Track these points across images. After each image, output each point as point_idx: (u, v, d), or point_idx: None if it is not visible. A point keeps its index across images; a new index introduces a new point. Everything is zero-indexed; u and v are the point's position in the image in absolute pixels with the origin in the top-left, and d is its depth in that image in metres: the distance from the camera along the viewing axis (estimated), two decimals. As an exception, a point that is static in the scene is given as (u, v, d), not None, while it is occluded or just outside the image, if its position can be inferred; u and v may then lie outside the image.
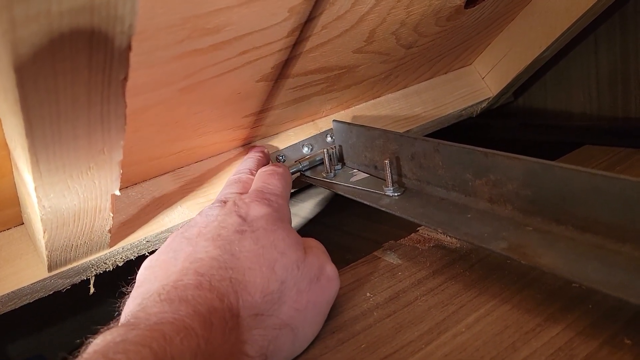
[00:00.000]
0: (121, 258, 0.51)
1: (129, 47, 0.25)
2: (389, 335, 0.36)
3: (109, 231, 0.44)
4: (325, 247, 0.41)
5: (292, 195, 0.64)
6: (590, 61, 0.72)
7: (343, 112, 0.65)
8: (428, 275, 0.42)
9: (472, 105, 0.74)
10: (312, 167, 0.60)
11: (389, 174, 0.49)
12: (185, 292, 0.31)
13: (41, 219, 0.36)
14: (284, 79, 0.49)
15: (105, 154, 0.33)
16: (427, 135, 0.60)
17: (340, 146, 0.60)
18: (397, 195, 0.49)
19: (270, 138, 0.60)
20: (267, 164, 0.53)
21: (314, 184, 0.58)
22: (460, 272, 0.42)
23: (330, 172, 0.57)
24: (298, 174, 0.59)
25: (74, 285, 0.49)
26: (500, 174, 0.40)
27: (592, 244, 0.34)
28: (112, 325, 0.29)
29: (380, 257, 0.47)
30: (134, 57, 0.27)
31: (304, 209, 0.80)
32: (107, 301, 0.39)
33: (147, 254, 0.52)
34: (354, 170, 0.57)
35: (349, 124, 0.57)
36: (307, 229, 0.73)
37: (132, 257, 0.51)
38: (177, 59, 0.38)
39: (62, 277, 0.48)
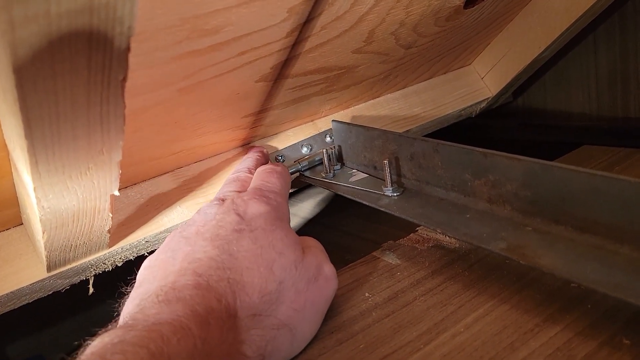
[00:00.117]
0: (120, 258, 0.51)
1: (128, 48, 0.25)
2: (387, 336, 0.36)
3: (108, 231, 0.44)
4: (324, 247, 0.41)
5: (291, 195, 0.64)
6: (590, 61, 0.72)
7: (342, 112, 0.65)
8: (427, 276, 0.42)
9: (471, 106, 0.74)
10: (312, 167, 0.60)
11: (388, 174, 0.49)
12: (183, 293, 0.31)
13: (40, 220, 0.36)
14: (283, 80, 0.49)
15: (105, 154, 0.33)
16: (426, 136, 0.60)
17: (339, 146, 0.60)
18: (396, 196, 0.49)
19: (269, 138, 0.60)
20: (265, 163, 0.53)
21: (313, 184, 0.58)
22: (459, 272, 0.42)
23: (330, 172, 0.57)
24: (297, 174, 0.59)
25: (73, 286, 0.49)
26: (500, 174, 0.40)
27: (591, 245, 0.34)
28: (110, 327, 0.29)
29: (379, 258, 0.47)
30: (133, 58, 0.27)
31: (303, 209, 0.80)
32: (106, 302, 0.39)
33: (146, 254, 0.52)
34: (353, 171, 0.57)
35: (348, 124, 0.57)
36: (306, 229, 0.73)
37: (132, 258, 0.51)
38: (176, 59, 0.38)
39: (61, 278, 0.48)
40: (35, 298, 0.48)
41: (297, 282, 0.35)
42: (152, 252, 0.51)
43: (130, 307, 0.33)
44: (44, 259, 0.43)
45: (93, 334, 0.28)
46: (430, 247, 0.47)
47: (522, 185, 0.39)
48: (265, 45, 0.42)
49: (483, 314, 0.36)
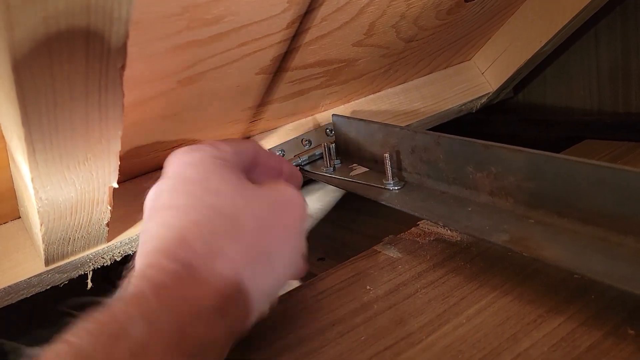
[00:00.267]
0: (119, 253, 0.50)
1: (126, 34, 0.25)
2: (389, 327, 0.35)
3: (107, 225, 0.44)
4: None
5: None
6: (591, 56, 0.72)
7: (342, 106, 0.65)
8: (428, 268, 0.42)
9: (471, 101, 0.73)
10: (312, 161, 0.59)
11: (388, 168, 0.49)
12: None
13: (38, 212, 0.36)
14: (283, 72, 0.49)
15: (103, 144, 0.32)
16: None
17: (339, 140, 0.59)
18: (397, 189, 0.49)
19: (269, 132, 0.60)
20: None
21: (313, 178, 0.58)
22: (461, 264, 0.42)
23: (330, 166, 0.57)
24: (297, 168, 0.59)
25: (71, 282, 0.49)
26: (502, 166, 0.40)
27: (595, 237, 0.34)
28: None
29: (380, 251, 0.47)
30: (131, 47, 0.26)
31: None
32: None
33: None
34: (354, 165, 0.57)
35: (348, 117, 0.57)
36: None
37: (130, 252, 0.51)
38: (176, 50, 0.37)
39: (60, 272, 0.47)
40: (33, 293, 0.48)
41: (253, 211, 0.32)
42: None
43: None
44: (42, 252, 0.43)
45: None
46: (431, 240, 0.47)
47: (525, 178, 0.38)
48: (266, 37, 0.42)
49: (485, 305, 0.36)
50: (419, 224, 0.51)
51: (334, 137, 0.61)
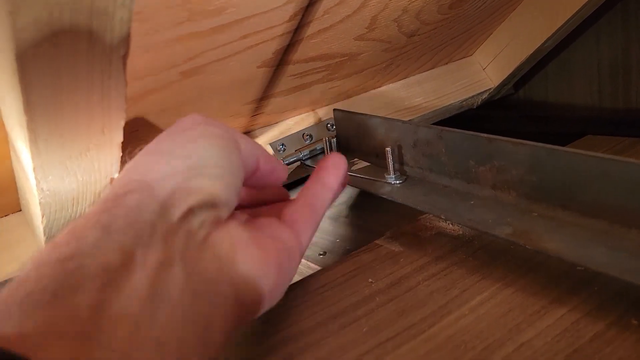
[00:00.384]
0: (120, 247, 0.50)
1: (129, 22, 0.25)
2: (391, 319, 0.35)
3: (108, 218, 0.44)
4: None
5: (291, 186, 0.64)
6: (592, 52, 0.72)
7: (343, 101, 0.65)
8: (430, 262, 0.42)
9: (473, 96, 0.73)
10: (313, 156, 0.59)
11: (390, 162, 0.49)
12: None
13: (40, 203, 0.36)
14: (285, 66, 0.49)
15: (106, 134, 0.32)
16: (428, 125, 0.59)
17: (341, 135, 0.59)
18: (399, 183, 0.49)
19: (270, 127, 0.60)
20: None
21: (314, 173, 0.58)
22: (463, 258, 0.41)
23: (331, 161, 0.56)
24: (298, 163, 0.59)
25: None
26: (505, 160, 0.40)
27: (598, 229, 0.34)
28: None
29: (381, 245, 0.47)
30: (133, 38, 0.26)
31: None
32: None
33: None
34: (355, 159, 0.57)
35: (349, 112, 0.57)
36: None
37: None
38: (178, 41, 0.37)
39: (61, 265, 0.47)
40: (34, 286, 0.47)
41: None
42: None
43: None
44: (43, 244, 0.43)
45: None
46: (433, 234, 0.47)
47: (528, 171, 0.38)
48: (268, 29, 0.42)
49: (488, 297, 0.35)
50: (420, 219, 0.51)
51: (335, 131, 0.61)
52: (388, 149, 0.48)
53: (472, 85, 0.73)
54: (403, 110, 0.67)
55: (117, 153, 0.35)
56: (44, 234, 0.41)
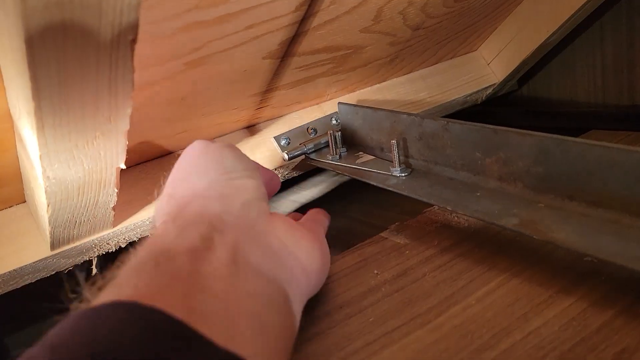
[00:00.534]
0: (124, 239, 0.50)
1: (139, 5, 0.25)
2: (397, 309, 0.35)
3: (113, 209, 0.44)
4: (329, 232, 0.43)
5: (295, 181, 0.64)
6: (596, 48, 0.72)
7: (348, 95, 0.65)
8: (436, 253, 0.42)
9: (477, 92, 0.73)
10: (318, 149, 0.59)
11: (395, 155, 0.48)
12: None
13: (45, 191, 0.36)
14: (290, 57, 0.49)
15: (112, 122, 0.32)
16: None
17: (345, 128, 0.59)
18: (405, 176, 0.48)
19: (275, 120, 0.60)
20: None
21: (319, 166, 0.58)
22: (469, 249, 0.41)
23: (336, 154, 0.56)
24: (303, 156, 0.58)
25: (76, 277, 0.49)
26: (511, 151, 0.40)
27: (606, 219, 0.34)
28: None
29: (387, 238, 0.47)
30: (140, 27, 0.26)
31: (306, 196, 0.79)
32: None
33: (150, 235, 0.51)
34: (360, 153, 0.57)
35: (354, 105, 0.57)
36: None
37: (135, 239, 0.51)
38: (184, 30, 0.37)
39: (65, 257, 0.47)
40: (38, 278, 0.47)
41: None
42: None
43: None
44: (48, 235, 0.43)
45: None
46: (438, 227, 0.47)
47: (534, 162, 0.38)
48: (273, 19, 0.41)
49: (494, 287, 0.35)
50: (425, 212, 0.50)
51: (339, 125, 0.60)
52: (393, 141, 0.48)
53: (476, 81, 0.73)
54: (407, 105, 0.67)
55: (123, 141, 0.35)
56: (49, 224, 0.41)
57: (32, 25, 0.23)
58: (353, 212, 0.70)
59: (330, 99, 0.63)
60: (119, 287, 0.24)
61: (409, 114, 0.49)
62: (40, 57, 0.25)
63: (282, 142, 0.58)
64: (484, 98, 0.75)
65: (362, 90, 0.66)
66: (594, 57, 0.72)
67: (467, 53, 0.74)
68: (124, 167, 0.38)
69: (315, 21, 0.45)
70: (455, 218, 0.48)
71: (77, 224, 0.43)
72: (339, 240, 0.63)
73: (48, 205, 0.38)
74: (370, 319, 0.35)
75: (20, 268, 0.45)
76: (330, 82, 0.59)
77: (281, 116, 0.60)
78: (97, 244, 0.48)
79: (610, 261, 0.30)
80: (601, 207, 0.34)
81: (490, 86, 0.74)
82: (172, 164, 0.51)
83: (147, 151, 0.50)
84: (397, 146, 0.48)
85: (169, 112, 0.47)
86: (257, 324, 0.26)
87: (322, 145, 0.59)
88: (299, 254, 0.34)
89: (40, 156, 0.32)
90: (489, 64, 0.74)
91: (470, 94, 0.72)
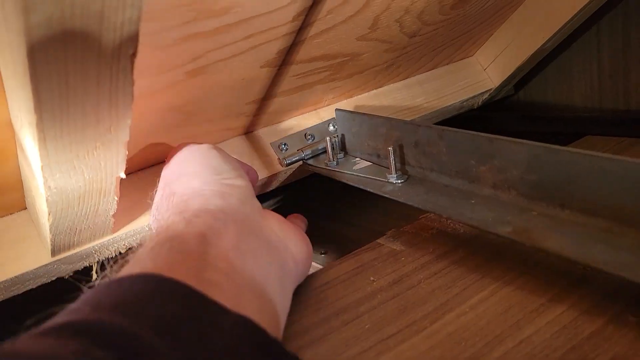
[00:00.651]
0: (124, 245, 0.51)
1: (139, 21, 0.25)
2: (393, 316, 0.36)
3: (113, 216, 0.44)
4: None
5: (291, 186, 0.64)
6: (592, 54, 0.72)
7: (345, 101, 0.65)
8: (431, 260, 0.42)
9: (473, 97, 0.74)
10: (315, 155, 0.60)
11: (392, 162, 0.49)
12: None
13: (46, 200, 0.36)
14: (288, 66, 0.50)
15: (112, 133, 0.33)
16: (429, 125, 0.60)
17: (342, 135, 0.60)
18: (401, 183, 0.49)
19: (272, 127, 0.60)
20: None
21: (316, 172, 0.58)
22: (464, 256, 0.42)
23: (333, 160, 0.57)
24: (300, 162, 0.59)
25: (75, 281, 0.49)
26: (505, 159, 0.40)
27: (597, 228, 0.34)
28: None
29: (383, 244, 0.47)
30: (140, 38, 0.27)
31: (304, 200, 0.80)
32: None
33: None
34: (357, 159, 0.57)
35: (351, 112, 0.58)
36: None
37: (135, 244, 0.51)
38: (184, 41, 0.38)
39: (66, 263, 0.48)
40: (39, 283, 0.48)
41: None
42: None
43: None
44: (49, 242, 0.43)
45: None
46: (434, 234, 0.47)
47: (528, 170, 0.39)
48: (272, 29, 0.42)
49: (488, 295, 0.36)
50: (421, 218, 0.51)
51: (337, 131, 0.61)
52: (390, 148, 0.49)
53: (472, 86, 0.73)
54: (404, 111, 0.67)
55: (123, 151, 0.36)
56: (50, 232, 0.41)
57: (34, 40, 0.24)
58: (349, 216, 0.70)
59: (327, 105, 0.64)
60: (140, 263, 0.29)
61: (405, 121, 0.50)
62: (42, 70, 0.25)
63: (280, 148, 0.59)
64: (480, 103, 0.76)
65: (359, 96, 0.66)
66: (590, 62, 0.73)
67: (464, 59, 0.74)
68: (124, 176, 0.38)
69: (312, 30, 0.46)
70: (451, 224, 0.48)
71: (77, 231, 0.44)
72: (336, 245, 0.64)
73: (49, 214, 0.38)
74: (367, 326, 0.35)
75: (22, 274, 0.46)
76: (328, 88, 0.59)
77: (279, 122, 0.61)
78: (97, 250, 0.49)
79: (601, 269, 0.30)
80: (593, 216, 0.35)
81: (486, 91, 0.75)
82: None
83: (147, 158, 0.51)
84: (394, 153, 0.49)
85: (169, 119, 0.47)
86: (257, 297, 0.30)
87: (320, 151, 0.60)
88: (289, 244, 0.39)
89: (42, 167, 0.32)
90: (485, 70, 0.75)
91: (467, 99, 0.73)
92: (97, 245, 0.48)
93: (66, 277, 0.49)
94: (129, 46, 0.26)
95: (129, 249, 0.51)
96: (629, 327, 0.30)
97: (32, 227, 0.48)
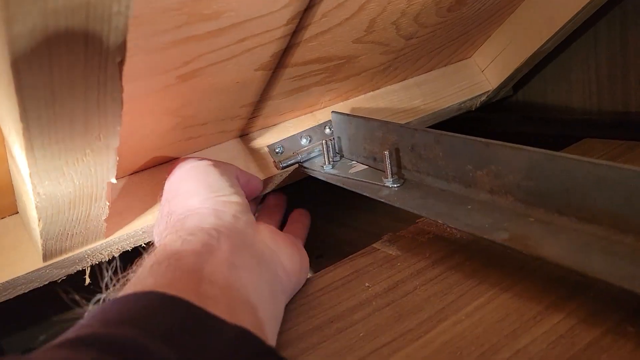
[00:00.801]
0: (117, 249, 0.50)
1: (125, 29, 0.25)
2: (387, 324, 0.35)
3: (105, 220, 0.44)
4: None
5: (288, 188, 0.64)
6: (590, 55, 0.72)
7: (341, 103, 0.65)
8: (427, 266, 0.42)
9: (471, 98, 0.73)
10: (311, 158, 0.59)
11: (388, 166, 0.49)
12: None
13: (36, 207, 0.36)
14: (283, 69, 0.49)
15: (102, 140, 0.32)
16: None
17: (339, 138, 0.59)
18: (397, 187, 0.48)
19: (268, 129, 0.60)
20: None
21: (312, 175, 0.58)
22: (460, 262, 0.42)
23: (329, 163, 0.56)
24: (296, 165, 0.58)
25: (69, 278, 0.49)
26: (502, 164, 0.40)
27: (595, 235, 0.34)
28: None
29: (378, 249, 0.47)
30: (130, 42, 0.26)
31: (299, 202, 0.79)
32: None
33: (143, 244, 0.51)
34: (353, 162, 0.57)
35: (348, 115, 0.57)
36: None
37: (128, 248, 0.51)
38: (175, 45, 0.37)
39: (58, 267, 0.47)
40: (31, 288, 0.47)
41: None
42: (148, 243, 0.51)
43: None
44: (40, 247, 0.43)
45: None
46: (430, 238, 0.47)
47: (525, 176, 0.38)
48: (266, 33, 0.41)
49: (484, 302, 0.36)
50: (417, 223, 0.51)
51: (333, 134, 0.60)
52: (386, 152, 0.48)
53: (470, 88, 0.73)
54: (401, 113, 0.67)
55: (114, 157, 0.35)
56: (41, 237, 0.41)
57: (18, 50, 0.23)
58: (346, 218, 0.70)
59: (324, 107, 0.63)
60: (141, 281, 0.31)
61: (401, 125, 0.49)
62: (26, 80, 0.25)
63: (276, 151, 0.58)
64: (478, 105, 0.75)
65: (356, 98, 0.66)
66: (589, 63, 0.72)
67: (461, 60, 0.74)
68: (115, 181, 0.38)
69: (307, 33, 0.45)
70: (448, 228, 0.48)
71: (69, 236, 0.43)
72: (332, 247, 0.63)
73: (39, 220, 0.38)
74: (361, 334, 0.35)
75: (14, 279, 0.45)
76: (324, 91, 0.59)
77: (275, 125, 0.60)
78: (90, 254, 0.48)
79: (599, 279, 0.30)
80: (590, 223, 0.34)
81: (484, 93, 0.74)
82: (163, 176, 0.52)
83: (140, 162, 0.50)
84: (390, 157, 0.48)
85: (162, 123, 0.47)
86: (251, 308, 0.32)
87: (316, 154, 0.59)
88: (281, 256, 0.41)
89: (30, 174, 0.32)
90: (483, 71, 0.74)
91: (465, 101, 0.72)
92: (89, 249, 0.48)
93: (58, 281, 0.48)
94: (116, 54, 0.26)
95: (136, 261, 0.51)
96: (627, 337, 0.30)
97: (24, 231, 0.48)
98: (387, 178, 0.49)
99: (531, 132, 0.80)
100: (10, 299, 0.47)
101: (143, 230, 0.50)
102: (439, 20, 0.56)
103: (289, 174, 0.59)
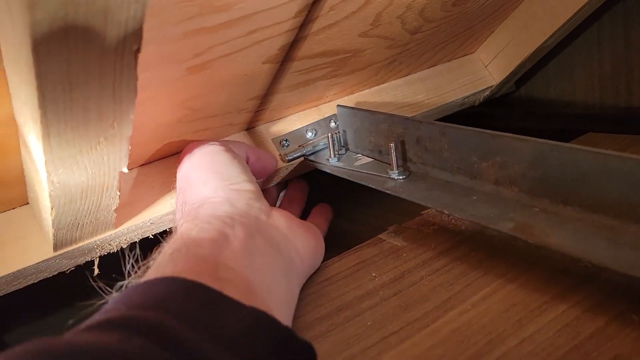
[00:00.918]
0: (125, 240, 0.50)
1: (143, 17, 0.25)
2: (395, 313, 0.36)
3: (115, 211, 0.44)
4: (328, 233, 0.49)
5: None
6: (593, 50, 0.72)
7: (346, 97, 0.65)
8: (433, 257, 0.42)
9: (474, 94, 0.74)
10: (316, 152, 0.60)
11: (393, 158, 0.49)
12: None
13: (50, 195, 0.36)
14: (290, 62, 0.49)
15: (115, 128, 0.33)
16: (430, 121, 0.59)
17: (344, 131, 0.60)
18: (402, 179, 0.49)
19: (273, 122, 0.60)
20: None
21: (317, 168, 0.58)
22: (466, 253, 0.42)
23: (334, 156, 0.57)
24: (302, 158, 0.59)
25: (74, 275, 0.49)
26: (507, 155, 0.40)
27: (600, 224, 0.34)
28: None
29: (384, 240, 0.48)
30: (144, 32, 0.27)
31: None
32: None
33: (151, 236, 0.52)
34: (358, 155, 0.57)
35: (353, 108, 0.57)
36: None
37: (136, 240, 0.51)
38: (187, 36, 0.37)
39: (67, 258, 0.48)
40: (41, 278, 0.48)
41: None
42: (156, 235, 0.51)
43: None
44: (51, 237, 0.43)
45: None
46: (435, 230, 0.47)
47: (530, 166, 0.39)
48: (274, 25, 0.42)
49: (490, 292, 0.36)
50: (423, 214, 0.51)
51: (338, 127, 0.61)
52: (392, 144, 0.49)
53: (473, 83, 0.73)
54: (405, 107, 0.67)
55: (126, 146, 0.36)
56: (53, 227, 0.41)
57: (39, 36, 0.24)
58: (351, 212, 0.70)
59: (329, 101, 0.63)
60: (161, 267, 0.33)
61: (407, 118, 0.50)
62: (45, 66, 0.25)
63: (282, 144, 0.59)
64: (481, 100, 0.76)
65: (361, 93, 0.66)
66: (592, 59, 0.73)
67: (465, 55, 0.74)
68: (126, 171, 0.38)
69: (315, 26, 0.45)
70: (453, 220, 0.48)
71: (80, 226, 0.44)
72: (338, 241, 0.64)
73: (52, 208, 0.38)
74: (368, 323, 0.35)
75: (24, 269, 0.46)
76: (329, 84, 0.59)
77: (281, 118, 0.61)
78: (99, 245, 0.49)
79: (604, 266, 0.30)
80: (596, 212, 0.35)
81: (487, 88, 0.75)
82: (173, 167, 0.52)
83: (149, 154, 0.51)
84: (395, 149, 0.49)
85: (171, 114, 0.47)
86: (266, 292, 0.34)
87: (321, 147, 0.60)
88: (295, 241, 0.42)
89: (45, 162, 0.32)
90: (487, 67, 0.75)
91: (468, 96, 0.73)
92: (99, 240, 0.48)
93: (67, 271, 0.49)
94: (133, 42, 0.26)
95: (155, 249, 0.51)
96: (632, 326, 0.30)
97: (34, 221, 0.48)
98: (393, 170, 0.49)
99: (534, 127, 0.80)
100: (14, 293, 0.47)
101: (151, 222, 0.51)
102: (443, 14, 0.56)
103: (295, 167, 0.59)
